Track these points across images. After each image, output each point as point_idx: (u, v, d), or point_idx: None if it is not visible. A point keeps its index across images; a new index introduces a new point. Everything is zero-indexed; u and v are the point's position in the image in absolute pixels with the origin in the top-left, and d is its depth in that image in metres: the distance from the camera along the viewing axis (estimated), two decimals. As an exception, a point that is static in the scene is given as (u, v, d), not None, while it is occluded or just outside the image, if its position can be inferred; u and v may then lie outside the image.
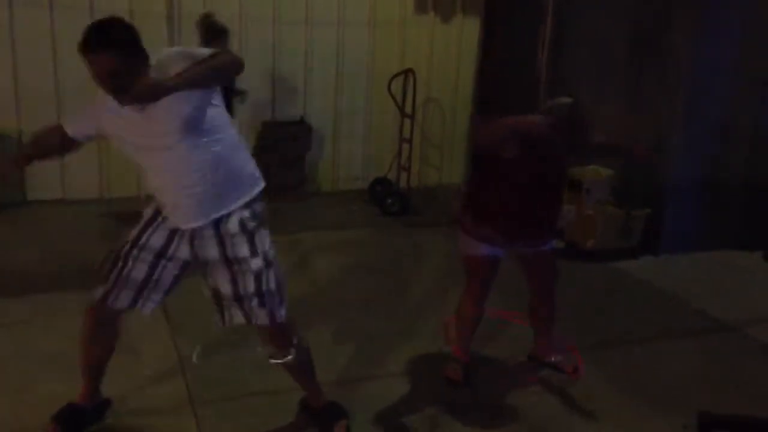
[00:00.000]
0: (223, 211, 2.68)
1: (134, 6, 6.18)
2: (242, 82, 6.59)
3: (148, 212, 2.82)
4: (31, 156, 2.86)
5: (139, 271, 2.75)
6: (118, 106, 2.50)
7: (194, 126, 2.54)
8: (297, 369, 3.01)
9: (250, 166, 2.79)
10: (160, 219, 2.78)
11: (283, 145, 6.81)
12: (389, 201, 6.65)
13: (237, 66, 2.61)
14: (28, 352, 3.64)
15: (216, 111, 2.63)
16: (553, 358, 3.79)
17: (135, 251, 2.75)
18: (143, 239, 2.76)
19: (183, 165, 2.59)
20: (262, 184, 2.81)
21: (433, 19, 7.39)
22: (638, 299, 4.96)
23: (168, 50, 2.59)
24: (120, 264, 2.74)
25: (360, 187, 7.20)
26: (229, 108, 4.18)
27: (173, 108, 2.48)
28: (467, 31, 7.54)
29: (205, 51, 2.52)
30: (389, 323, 4.29)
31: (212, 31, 5.47)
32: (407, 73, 6.71)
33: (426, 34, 7.38)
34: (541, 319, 3.76)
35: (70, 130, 2.78)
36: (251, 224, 2.71)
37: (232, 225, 2.68)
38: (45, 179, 6.22)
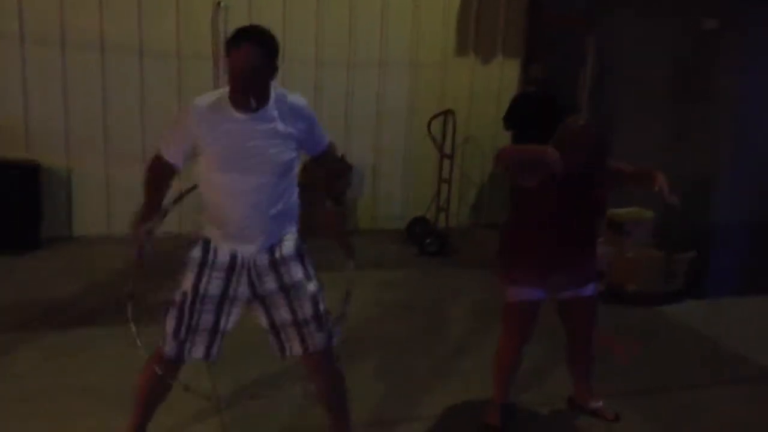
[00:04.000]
0: (282, 235, 2.77)
1: (182, 45, 6.37)
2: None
3: (195, 256, 2.77)
4: (151, 217, 2.83)
5: (207, 320, 2.74)
6: (223, 115, 2.60)
7: (289, 152, 2.72)
8: (333, 400, 3.01)
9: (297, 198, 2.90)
10: (210, 260, 2.74)
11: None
12: (427, 241, 6.64)
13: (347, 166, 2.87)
14: (69, 386, 3.68)
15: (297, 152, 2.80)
16: (593, 404, 3.71)
17: (198, 303, 2.72)
18: (201, 289, 2.73)
19: (266, 187, 2.67)
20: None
21: (473, 61, 7.44)
22: (681, 345, 4.84)
23: (301, 100, 2.82)
24: (186, 317, 2.72)
25: (398, 227, 7.21)
26: None
27: (280, 128, 2.66)
28: (507, 72, 7.58)
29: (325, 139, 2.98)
30: (426, 364, 4.26)
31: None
32: (447, 113, 6.75)
33: (466, 75, 7.44)
34: (579, 365, 3.69)
35: (170, 158, 2.74)
36: (303, 249, 2.83)
37: (287, 248, 2.78)
38: (91, 215, 6.38)
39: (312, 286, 2.80)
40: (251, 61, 2.52)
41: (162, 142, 2.75)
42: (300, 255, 2.81)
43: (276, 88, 2.70)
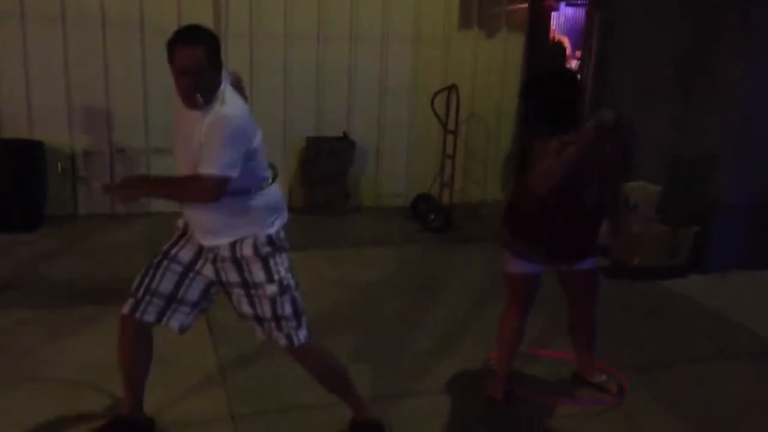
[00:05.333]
0: (235, 237, 2.72)
1: (183, 22, 6.30)
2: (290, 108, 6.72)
3: (180, 223, 2.91)
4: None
5: (167, 284, 2.81)
6: (180, 110, 2.65)
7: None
8: (329, 384, 3.06)
9: (274, 201, 2.82)
10: (190, 232, 2.85)
11: (326, 160, 6.86)
12: (431, 217, 6.63)
13: (199, 198, 2.66)
14: (74, 362, 3.71)
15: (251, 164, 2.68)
16: (596, 378, 3.72)
17: (165, 262, 2.83)
18: (173, 251, 2.85)
19: None
20: (284, 216, 2.86)
21: (477, 35, 7.38)
22: (685, 319, 4.84)
23: (219, 115, 2.60)
24: (150, 275, 2.81)
25: (402, 203, 7.20)
26: None
27: (200, 136, 2.59)
28: (511, 46, 7.51)
29: (215, 149, 2.56)
30: (430, 339, 4.27)
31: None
32: (450, 88, 6.71)
33: (470, 49, 7.37)
34: (582, 338, 3.69)
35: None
36: (265, 249, 2.75)
37: (246, 249, 2.74)
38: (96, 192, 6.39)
39: (271, 289, 2.75)
40: (195, 62, 2.54)
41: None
42: (260, 255, 2.73)
43: (224, 99, 2.63)
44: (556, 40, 8.38)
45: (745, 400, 3.72)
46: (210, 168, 2.53)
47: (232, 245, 2.73)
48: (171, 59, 2.57)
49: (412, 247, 6.17)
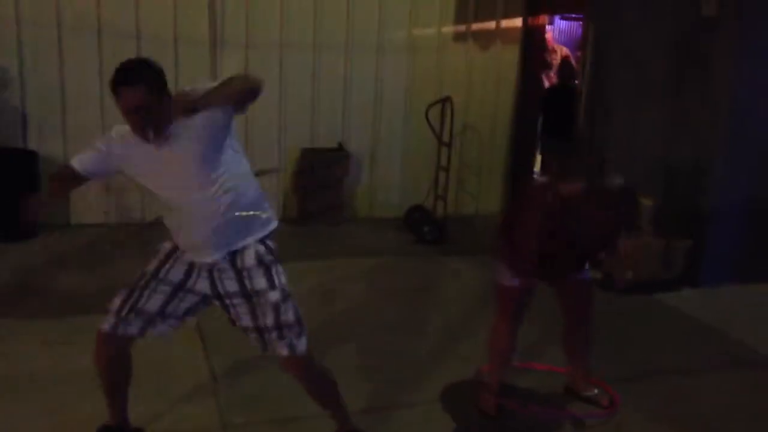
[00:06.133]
0: (236, 247, 2.73)
1: (178, 31, 6.35)
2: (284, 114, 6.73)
3: (166, 246, 2.87)
4: (60, 189, 2.99)
5: (154, 303, 2.78)
6: (135, 146, 2.62)
7: (209, 167, 2.63)
8: (319, 397, 3.04)
9: (264, 206, 2.84)
10: (178, 253, 2.82)
11: (321, 171, 6.86)
12: (425, 229, 6.64)
13: (254, 86, 2.67)
14: (67, 372, 3.69)
15: (232, 156, 2.70)
16: (588, 392, 3.72)
17: (153, 283, 2.79)
18: (162, 273, 2.81)
19: (198, 204, 2.66)
20: (275, 224, 2.87)
21: (471, 47, 7.42)
22: (677, 331, 4.84)
23: (187, 88, 2.69)
24: (135, 296, 2.78)
25: (396, 215, 7.20)
26: None
27: (189, 148, 2.59)
28: (505, 58, 7.56)
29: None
30: (422, 350, 4.26)
31: None
32: (445, 100, 6.73)
33: (464, 61, 7.41)
34: (575, 351, 3.69)
35: (81, 169, 2.80)
36: (267, 258, 2.77)
37: (249, 258, 2.74)
38: (88, 203, 6.36)
39: (274, 295, 2.74)
40: (137, 102, 2.51)
41: (79, 155, 2.84)
42: (263, 264, 2.75)
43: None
44: (564, 57, 8.60)
45: (737, 411, 3.72)
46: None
47: (233, 256, 2.73)
48: (116, 100, 2.54)
49: (405, 259, 6.17)
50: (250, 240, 2.75)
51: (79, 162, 2.79)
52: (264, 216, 2.81)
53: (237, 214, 2.71)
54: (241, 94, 2.66)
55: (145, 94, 2.50)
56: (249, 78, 2.70)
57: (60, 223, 6.32)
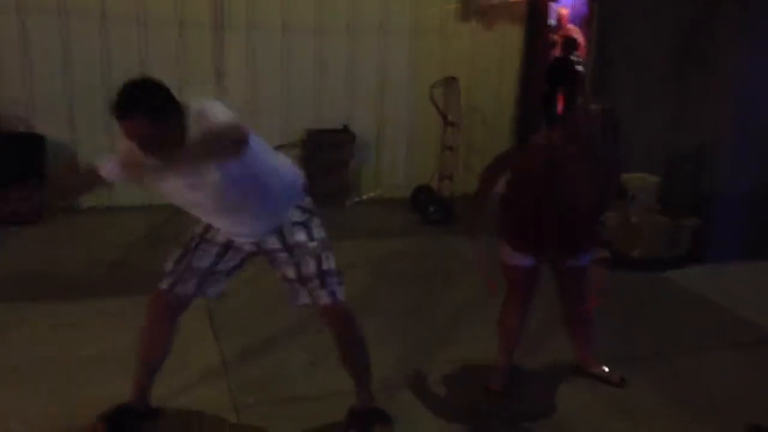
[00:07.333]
0: (272, 227, 2.84)
1: (182, 15, 6.32)
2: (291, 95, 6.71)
3: (199, 227, 2.94)
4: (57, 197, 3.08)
5: (205, 260, 2.89)
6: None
7: (229, 183, 2.59)
8: (353, 356, 3.07)
9: (293, 181, 2.92)
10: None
11: (326, 153, 6.86)
12: (431, 209, 6.64)
13: (234, 152, 2.46)
14: (74, 355, 3.72)
15: (252, 161, 2.61)
16: (598, 369, 3.73)
17: (203, 244, 2.90)
18: (209, 235, 2.90)
19: (224, 197, 2.65)
20: (305, 193, 2.96)
21: (476, 27, 7.37)
22: (685, 309, 4.85)
23: (196, 105, 2.51)
24: (188, 256, 2.88)
25: (402, 195, 7.20)
26: None
27: (204, 172, 2.55)
28: (510, 38, 7.51)
29: (218, 121, 2.42)
30: (430, 331, 4.28)
31: None
32: (450, 80, 6.70)
33: (468, 41, 7.37)
34: (576, 330, 3.71)
35: (107, 175, 2.63)
36: (303, 217, 2.88)
37: (287, 224, 2.85)
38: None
39: (314, 245, 2.86)
40: (137, 133, 2.39)
41: (106, 160, 2.64)
42: (300, 222, 2.88)
43: (189, 112, 2.51)
44: (569, 34, 8.50)
45: (744, 389, 3.73)
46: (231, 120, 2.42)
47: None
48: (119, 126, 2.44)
49: (412, 239, 6.18)
50: (285, 214, 2.85)
51: (106, 168, 2.61)
52: (294, 190, 2.91)
53: (265, 199, 2.78)
54: (223, 153, 2.48)
55: (143, 125, 2.37)
56: (236, 130, 2.45)
57: (68, 206, 6.33)
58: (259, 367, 3.68)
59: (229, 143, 2.42)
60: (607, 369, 3.73)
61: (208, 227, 2.92)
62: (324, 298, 2.87)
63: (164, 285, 2.89)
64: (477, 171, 8.04)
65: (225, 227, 2.86)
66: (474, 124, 7.56)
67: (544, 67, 7.57)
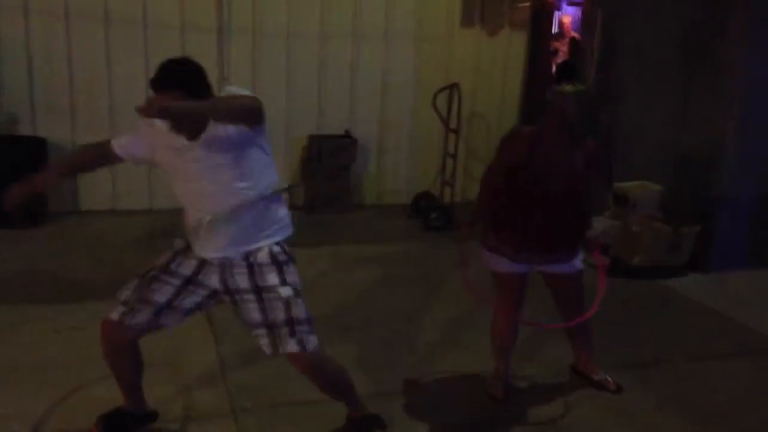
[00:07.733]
0: (253, 246, 2.76)
1: (186, 19, 6.34)
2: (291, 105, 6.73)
3: (179, 243, 2.89)
4: (65, 173, 3.02)
5: (163, 295, 2.79)
6: (172, 136, 2.64)
7: (238, 162, 2.66)
8: (331, 391, 3.04)
9: (283, 212, 2.87)
10: (190, 251, 2.84)
11: (328, 158, 6.87)
12: (433, 215, 6.64)
13: (257, 113, 2.58)
14: (78, 358, 3.70)
15: (261, 156, 2.72)
16: (596, 376, 3.73)
17: (163, 275, 2.81)
18: (172, 266, 2.83)
19: (223, 197, 2.70)
20: (291, 231, 2.89)
21: (479, 33, 7.38)
22: (686, 317, 4.84)
23: (228, 90, 2.75)
24: (144, 286, 2.79)
25: (404, 201, 7.20)
26: None
27: (222, 143, 2.61)
28: (514, 45, 7.52)
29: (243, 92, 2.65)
30: (431, 336, 4.28)
31: None
32: (452, 87, 6.71)
33: (472, 48, 7.38)
34: (575, 337, 3.71)
35: (121, 151, 2.85)
36: (281, 257, 2.79)
37: (263, 256, 2.76)
38: (97, 190, 6.40)
39: (286, 291, 2.73)
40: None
41: (123, 136, 2.93)
42: (276, 262, 2.77)
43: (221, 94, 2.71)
44: (572, 38, 8.63)
45: (746, 397, 3.73)
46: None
47: (246, 253, 2.76)
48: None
49: (413, 245, 6.18)
50: (266, 242, 2.78)
51: (120, 145, 2.85)
52: (283, 222, 2.85)
53: (257, 213, 2.74)
54: (244, 112, 2.58)
55: (177, 99, 2.47)
56: (256, 99, 2.60)
57: (69, 210, 6.35)
58: (257, 371, 3.67)
59: (250, 105, 2.55)
60: (606, 376, 3.72)
61: (176, 254, 2.84)
62: (293, 347, 2.71)
63: (114, 316, 2.78)
64: (478, 178, 8.06)
65: (209, 230, 2.74)
66: (476, 131, 7.56)
67: (548, 72, 7.60)
